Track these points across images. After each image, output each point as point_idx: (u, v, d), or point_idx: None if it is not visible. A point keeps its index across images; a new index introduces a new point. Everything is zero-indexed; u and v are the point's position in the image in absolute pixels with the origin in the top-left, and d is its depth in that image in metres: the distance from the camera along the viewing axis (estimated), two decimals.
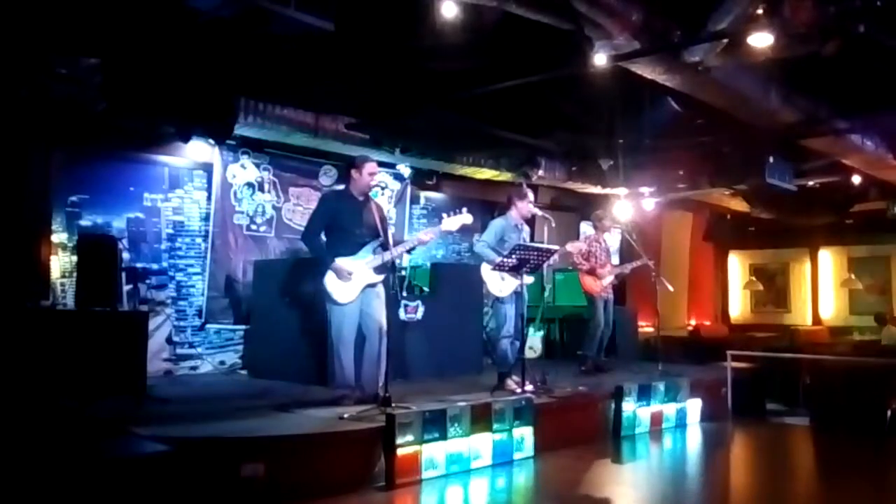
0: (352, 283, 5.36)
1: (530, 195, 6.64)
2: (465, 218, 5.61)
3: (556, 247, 6.88)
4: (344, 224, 5.47)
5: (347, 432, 4.70)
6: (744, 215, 12.27)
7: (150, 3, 5.23)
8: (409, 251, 5.65)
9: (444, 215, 5.65)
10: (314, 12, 4.94)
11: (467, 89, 6.95)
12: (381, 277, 5.49)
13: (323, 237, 5.51)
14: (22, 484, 3.49)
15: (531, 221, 7.24)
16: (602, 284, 7.91)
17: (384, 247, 5.49)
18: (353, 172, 5.58)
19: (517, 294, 6.40)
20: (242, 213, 7.95)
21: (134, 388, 5.28)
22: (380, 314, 5.45)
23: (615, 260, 9.04)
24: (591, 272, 7.88)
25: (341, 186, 5.95)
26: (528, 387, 5.99)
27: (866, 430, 6.82)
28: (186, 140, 7.20)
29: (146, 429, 4.36)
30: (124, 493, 3.70)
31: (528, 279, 6.36)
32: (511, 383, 6.26)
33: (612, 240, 8.80)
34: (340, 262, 5.35)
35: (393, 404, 5.05)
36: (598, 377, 7.54)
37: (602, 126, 8.48)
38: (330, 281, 5.35)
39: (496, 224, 6.65)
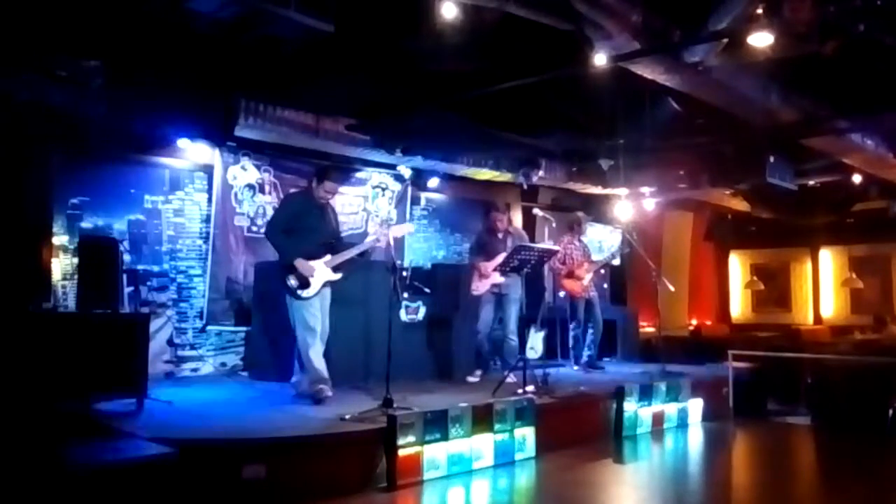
0: (313, 279, 5.64)
1: (500, 215, 7.24)
2: (408, 227, 6.75)
3: (556, 247, 7.03)
4: (306, 225, 5.73)
5: (349, 434, 4.70)
6: (744, 215, 12.26)
7: (149, 6, 5.23)
8: (361, 254, 5.99)
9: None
10: (314, 13, 4.95)
11: (468, 90, 6.95)
12: (339, 277, 5.79)
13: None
14: (23, 486, 3.49)
15: (532, 223, 7.38)
16: (582, 284, 8.02)
17: (339, 248, 5.85)
18: (314, 181, 5.86)
19: (495, 294, 7.05)
20: (243, 214, 7.94)
21: (135, 390, 5.28)
22: (327, 314, 5.81)
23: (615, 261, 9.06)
24: (570, 275, 7.98)
25: (303, 185, 6.13)
26: (530, 387, 6.00)
27: (868, 429, 6.82)
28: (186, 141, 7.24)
29: (147, 431, 4.37)
30: (125, 495, 3.70)
31: (500, 279, 6.93)
32: (472, 378, 7.07)
33: (589, 240, 8.94)
34: (303, 259, 5.61)
35: (394, 405, 5.07)
36: (592, 375, 7.60)
37: (602, 126, 8.47)
38: (293, 277, 5.62)
39: (477, 235, 7.62)
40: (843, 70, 6.37)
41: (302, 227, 5.71)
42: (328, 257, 5.75)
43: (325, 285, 5.72)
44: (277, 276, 5.77)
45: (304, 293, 5.63)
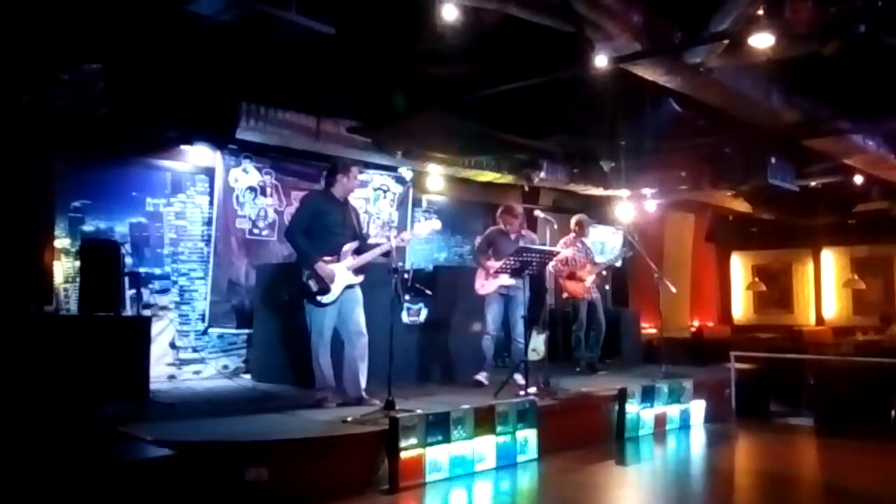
0: (334, 284, 5.44)
1: (516, 213, 7.08)
2: (434, 224, 6.01)
3: (557, 249, 7.02)
4: (326, 225, 5.55)
5: (351, 436, 4.70)
6: (746, 216, 12.26)
7: (151, 9, 5.24)
8: (385, 254, 5.70)
9: (421, 218, 5.84)
10: (315, 16, 4.95)
11: (469, 92, 6.95)
12: (360, 279, 5.60)
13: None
14: (26, 488, 3.49)
15: (534, 225, 7.35)
16: (585, 286, 7.98)
17: (362, 249, 5.62)
18: (340, 176, 5.68)
19: (503, 295, 6.89)
20: (245, 217, 7.95)
21: (137, 393, 5.29)
22: (358, 316, 5.58)
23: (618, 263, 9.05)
24: (572, 276, 7.96)
25: (321, 187, 6.01)
26: (532, 389, 6.00)
27: (871, 430, 6.81)
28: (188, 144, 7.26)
29: (150, 433, 4.36)
30: (128, 497, 3.69)
31: (510, 280, 6.72)
32: (482, 379, 6.84)
33: (592, 241, 8.85)
34: (324, 263, 5.42)
35: (396, 407, 5.06)
36: (594, 377, 7.59)
37: (603, 128, 8.47)
38: (313, 282, 5.42)
39: (487, 233, 7.34)
40: (845, 71, 6.37)
41: (323, 228, 5.51)
42: (350, 260, 5.54)
43: (345, 289, 5.50)
44: (295, 279, 5.58)
45: (324, 299, 5.42)
